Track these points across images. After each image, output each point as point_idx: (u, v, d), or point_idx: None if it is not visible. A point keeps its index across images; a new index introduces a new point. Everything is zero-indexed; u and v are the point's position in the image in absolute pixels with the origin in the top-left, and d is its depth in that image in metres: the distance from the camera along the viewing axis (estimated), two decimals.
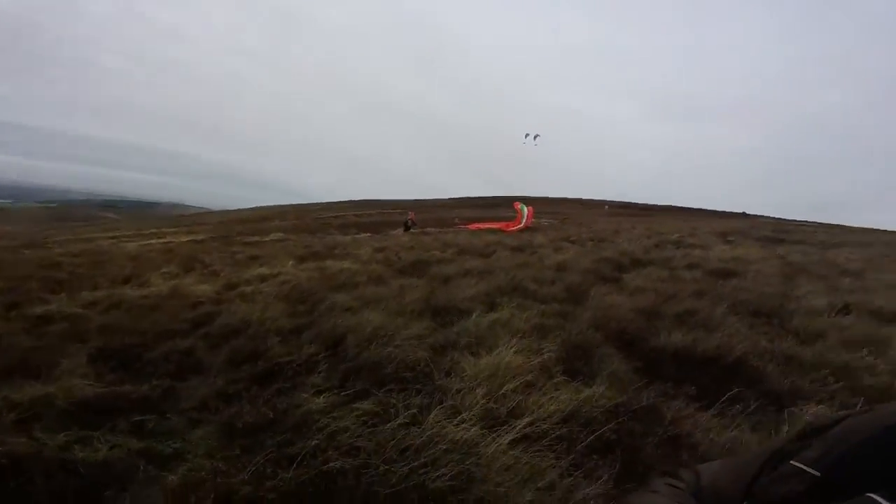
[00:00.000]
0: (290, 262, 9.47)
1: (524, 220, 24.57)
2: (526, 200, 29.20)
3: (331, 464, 2.20)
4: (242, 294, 6.59)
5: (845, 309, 5.27)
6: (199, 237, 25.48)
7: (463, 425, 2.51)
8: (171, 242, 21.95)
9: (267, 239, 21.05)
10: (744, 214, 56.25)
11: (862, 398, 3.04)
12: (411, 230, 23.89)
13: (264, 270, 8.54)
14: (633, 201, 77.60)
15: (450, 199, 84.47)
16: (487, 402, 2.84)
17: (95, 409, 3.11)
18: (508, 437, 2.41)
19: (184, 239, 24.46)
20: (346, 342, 3.91)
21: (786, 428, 2.63)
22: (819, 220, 44.42)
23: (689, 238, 14.89)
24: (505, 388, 3.02)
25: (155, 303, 6.20)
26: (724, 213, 60.16)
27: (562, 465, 2.31)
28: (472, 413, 2.69)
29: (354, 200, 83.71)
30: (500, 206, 59.99)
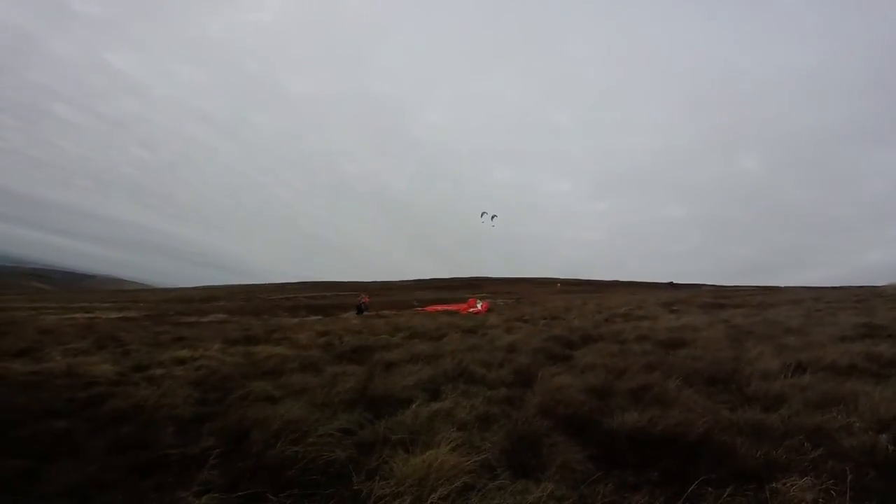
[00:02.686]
0: (217, 346, 8.60)
1: (479, 306, 25.20)
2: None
3: None
4: (150, 377, 6.14)
5: (800, 367, 5.20)
6: (132, 314, 23.89)
7: None
8: (97, 318, 20.69)
9: (205, 320, 19.74)
10: (671, 284, 59.35)
11: (850, 464, 2.81)
12: (364, 313, 23.37)
13: (184, 353, 7.88)
14: (584, 278, 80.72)
15: (410, 280, 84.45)
16: None
17: None
18: None
19: (113, 315, 22.80)
20: (252, 437, 3.44)
21: None
22: (751, 284, 47.57)
23: (637, 310, 15.27)
24: (437, 493, 2.57)
25: (42, 380, 5.79)
26: (655, 284, 63.10)
27: None
28: None
29: (309, 282, 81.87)
30: (458, 287, 60.42)
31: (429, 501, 2.50)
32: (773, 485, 2.64)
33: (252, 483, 2.82)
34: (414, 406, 4.13)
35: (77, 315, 22.58)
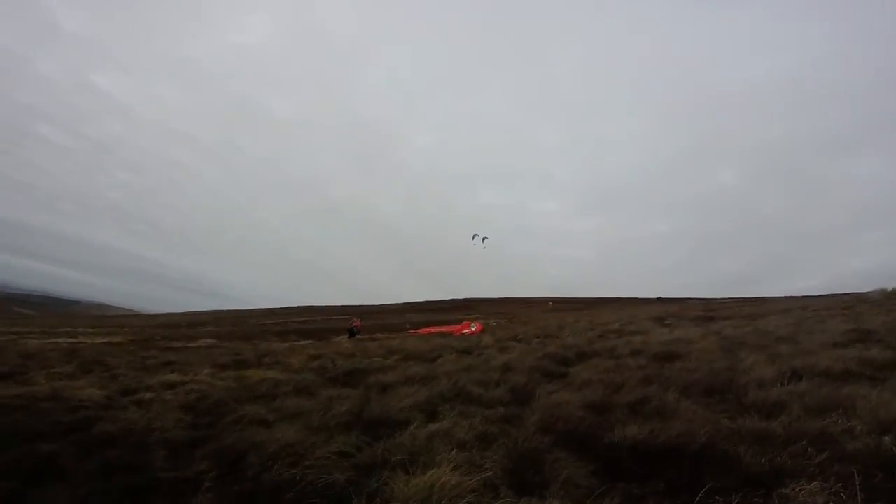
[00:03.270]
0: (207, 370, 8.41)
1: (473, 327, 25.05)
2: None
3: None
4: (139, 401, 6.08)
5: (795, 375, 5.22)
6: (117, 339, 23.31)
7: None
8: (81, 343, 20.48)
9: (193, 345, 19.39)
10: (659, 299, 60.13)
11: (857, 467, 2.82)
12: (356, 336, 23.07)
13: (174, 377, 7.81)
14: (575, 296, 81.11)
15: (399, 304, 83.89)
16: None
17: None
18: None
19: (98, 341, 22.24)
20: (248, 460, 3.38)
21: None
22: (738, 296, 48.10)
23: (629, 326, 15.33)
24: None
25: (26, 403, 5.76)
26: (644, 299, 63.99)
27: None
28: None
29: (299, 306, 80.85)
30: (450, 309, 60.14)
31: None
32: (782, 490, 2.63)
33: None
34: (412, 427, 4.09)
35: (60, 340, 22.22)
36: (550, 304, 61.59)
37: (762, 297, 39.26)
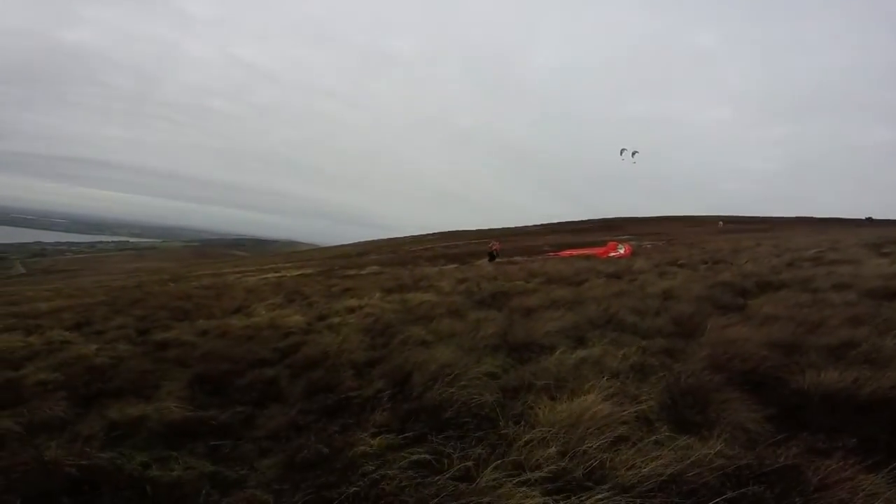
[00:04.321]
0: (378, 295, 9.72)
1: (622, 250, 23.17)
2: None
3: None
4: (330, 325, 6.94)
5: None
6: (308, 271, 28.16)
7: (523, 489, 2.08)
8: (283, 276, 24.68)
9: (363, 272, 22.36)
10: (869, 220, 47.91)
11: None
12: (496, 260, 23.79)
13: (353, 302, 8.93)
14: (754, 214, 68.66)
15: (538, 225, 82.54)
16: (561, 460, 2.35)
17: (182, 432, 3.33)
18: None
19: (294, 273, 27.11)
20: (413, 379, 3.69)
21: None
22: None
23: (831, 253, 12.37)
24: (587, 443, 2.48)
25: (254, 332, 6.73)
26: (848, 220, 51.61)
27: None
28: (538, 474, 2.23)
29: (443, 232, 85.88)
30: (594, 230, 56.99)
31: (578, 450, 2.42)
32: None
33: (416, 424, 2.99)
34: (558, 352, 4.01)
35: (269, 275, 26.93)
36: (721, 223, 53.20)
37: None
